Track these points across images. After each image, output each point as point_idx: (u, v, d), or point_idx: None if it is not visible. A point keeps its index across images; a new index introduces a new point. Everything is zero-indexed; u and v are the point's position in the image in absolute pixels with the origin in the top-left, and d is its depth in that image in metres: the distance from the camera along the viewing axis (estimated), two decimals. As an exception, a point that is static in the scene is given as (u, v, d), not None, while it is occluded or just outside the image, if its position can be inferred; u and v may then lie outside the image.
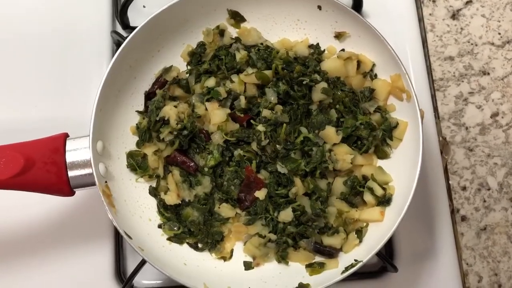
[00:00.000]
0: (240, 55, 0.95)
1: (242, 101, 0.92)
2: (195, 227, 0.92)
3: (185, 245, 0.93)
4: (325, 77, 0.93)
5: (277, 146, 0.91)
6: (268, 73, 0.92)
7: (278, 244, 0.91)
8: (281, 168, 0.91)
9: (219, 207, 0.93)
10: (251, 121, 0.93)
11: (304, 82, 0.92)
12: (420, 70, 1.07)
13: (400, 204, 0.87)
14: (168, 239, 0.92)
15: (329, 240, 0.90)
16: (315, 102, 0.93)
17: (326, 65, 0.95)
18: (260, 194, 0.91)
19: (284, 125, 0.91)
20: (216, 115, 0.92)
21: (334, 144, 0.91)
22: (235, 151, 0.93)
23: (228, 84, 0.94)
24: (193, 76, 0.97)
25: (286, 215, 0.90)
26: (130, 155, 0.94)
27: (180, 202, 0.93)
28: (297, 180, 0.90)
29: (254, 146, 0.92)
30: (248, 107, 0.93)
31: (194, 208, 0.93)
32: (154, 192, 0.94)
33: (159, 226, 0.93)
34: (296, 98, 0.92)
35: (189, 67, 0.98)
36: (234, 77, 0.94)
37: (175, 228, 0.92)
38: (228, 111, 0.93)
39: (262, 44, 0.97)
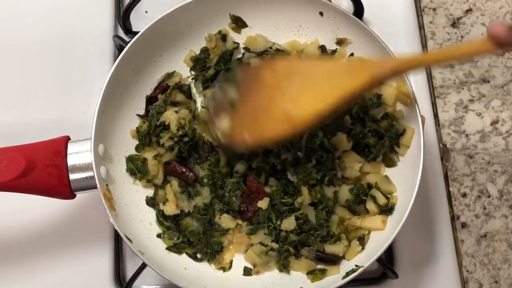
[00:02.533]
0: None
1: None
2: (194, 237, 0.91)
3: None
4: None
5: (299, 153, 0.90)
6: None
7: (280, 253, 0.90)
8: (291, 177, 0.90)
9: (219, 218, 0.92)
10: None
11: None
12: (421, 77, 1.07)
13: (401, 211, 0.87)
14: (167, 248, 0.91)
15: (331, 248, 0.89)
16: None
17: None
18: (263, 203, 0.90)
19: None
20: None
21: (344, 151, 0.91)
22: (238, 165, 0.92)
23: None
24: (199, 82, 0.97)
25: (289, 223, 0.89)
26: (130, 159, 0.93)
27: (179, 212, 0.93)
28: (305, 190, 0.89)
29: (272, 158, 0.91)
30: None
31: (193, 218, 0.92)
32: (152, 202, 0.94)
33: (158, 236, 0.92)
34: None
35: (193, 73, 0.98)
36: None
37: (175, 238, 0.91)
38: None
39: (271, 48, 0.97)
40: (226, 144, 0.87)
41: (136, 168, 0.93)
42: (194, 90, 0.98)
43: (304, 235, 0.90)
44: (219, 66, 0.97)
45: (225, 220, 0.91)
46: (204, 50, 0.98)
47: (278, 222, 0.90)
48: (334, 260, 0.89)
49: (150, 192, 0.95)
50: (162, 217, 0.92)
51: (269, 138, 0.80)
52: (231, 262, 0.92)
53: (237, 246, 0.92)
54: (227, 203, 0.92)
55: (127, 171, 0.93)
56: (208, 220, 0.92)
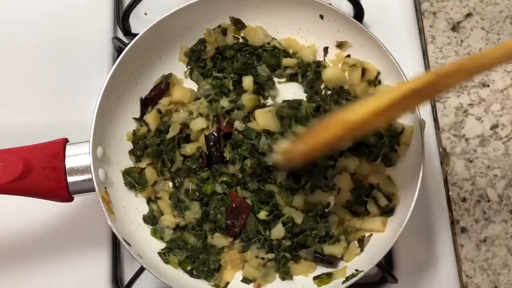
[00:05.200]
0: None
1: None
2: (195, 252, 0.89)
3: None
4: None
5: None
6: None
7: (277, 261, 0.89)
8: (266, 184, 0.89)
9: (212, 238, 0.89)
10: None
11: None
12: (421, 81, 1.07)
13: (401, 215, 0.87)
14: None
15: (330, 249, 0.88)
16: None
17: (327, 74, 0.95)
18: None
19: None
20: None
21: (340, 157, 0.90)
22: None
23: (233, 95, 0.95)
24: (196, 72, 0.97)
25: (278, 231, 0.88)
26: (126, 172, 0.92)
27: (179, 224, 0.91)
28: (278, 196, 0.89)
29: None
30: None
31: (190, 233, 0.90)
32: (152, 220, 0.91)
33: (160, 254, 0.89)
34: None
35: (189, 67, 0.98)
36: (244, 98, 0.94)
37: (179, 255, 0.89)
38: None
39: (269, 43, 0.97)
40: (284, 164, 0.85)
41: (134, 180, 0.91)
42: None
43: (302, 237, 0.89)
44: (216, 61, 0.97)
45: (218, 240, 0.89)
46: (201, 42, 0.97)
47: (268, 233, 0.89)
48: (332, 261, 0.88)
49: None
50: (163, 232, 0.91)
51: (324, 141, 0.76)
52: (227, 283, 0.89)
53: (232, 264, 0.90)
54: (214, 221, 0.90)
55: (125, 185, 0.91)
56: (204, 236, 0.90)
